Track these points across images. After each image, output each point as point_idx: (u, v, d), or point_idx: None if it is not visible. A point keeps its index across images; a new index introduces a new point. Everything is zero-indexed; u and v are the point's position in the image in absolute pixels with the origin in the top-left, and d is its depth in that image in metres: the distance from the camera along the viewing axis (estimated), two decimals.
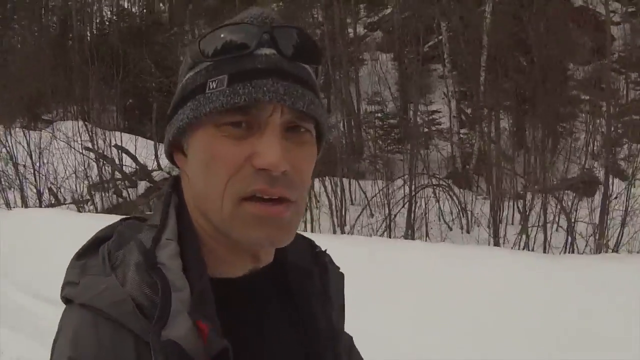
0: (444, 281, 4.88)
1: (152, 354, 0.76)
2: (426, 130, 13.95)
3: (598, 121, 12.57)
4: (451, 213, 9.76)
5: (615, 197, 7.60)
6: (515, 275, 4.85)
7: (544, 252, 6.97)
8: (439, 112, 15.52)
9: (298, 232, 0.97)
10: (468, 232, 9.41)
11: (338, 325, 1.06)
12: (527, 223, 7.66)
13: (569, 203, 7.87)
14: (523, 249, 7.27)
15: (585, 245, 7.09)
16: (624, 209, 7.25)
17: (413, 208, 8.76)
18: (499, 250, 6.09)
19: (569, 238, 7.13)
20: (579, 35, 16.46)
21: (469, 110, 15.04)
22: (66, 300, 0.86)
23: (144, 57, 15.66)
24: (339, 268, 1.11)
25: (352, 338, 1.19)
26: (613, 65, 16.89)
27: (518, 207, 8.64)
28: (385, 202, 9.23)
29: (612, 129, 12.23)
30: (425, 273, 4.97)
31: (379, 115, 15.11)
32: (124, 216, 1.01)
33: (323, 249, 1.10)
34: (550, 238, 7.35)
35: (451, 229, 9.52)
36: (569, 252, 6.98)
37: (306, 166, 0.87)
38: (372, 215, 9.86)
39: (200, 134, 0.85)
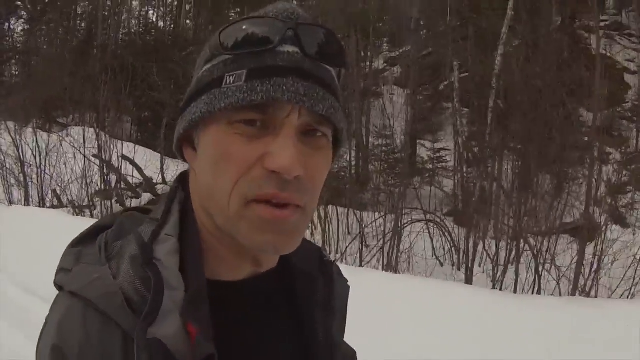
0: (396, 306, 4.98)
1: (136, 350, 0.74)
2: (430, 166, 14.04)
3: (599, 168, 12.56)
4: (443, 249, 9.79)
5: (590, 242, 7.65)
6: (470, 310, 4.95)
7: (514, 292, 7.07)
8: (447, 149, 15.60)
9: (308, 239, 0.97)
10: (459, 269, 9.43)
11: (337, 338, 1.02)
12: (497, 263, 7.77)
13: (561, 247, 7.98)
14: (495, 288, 7.35)
15: (554, 288, 7.15)
16: (597, 254, 7.31)
17: (394, 242, 8.82)
18: (463, 287, 6.20)
19: (536, 279, 7.20)
20: (593, 82, 16.54)
21: (476, 150, 15.11)
22: (58, 287, 0.84)
23: (152, 73, 15.88)
24: (346, 280, 1.07)
25: (355, 353, 1.14)
26: (626, 113, 16.98)
27: (485, 248, 8.66)
28: (359, 233, 9.31)
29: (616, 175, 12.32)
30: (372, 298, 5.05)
31: (385, 149, 15.23)
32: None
33: (332, 260, 1.06)
34: (525, 280, 7.42)
35: (442, 265, 9.56)
36: (535, 294, 7.05)
37: (320, 172, 0.84)
38: (367, 245, 9.94)
39: (212, 130, 0.82)
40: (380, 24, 21.09)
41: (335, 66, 0.86)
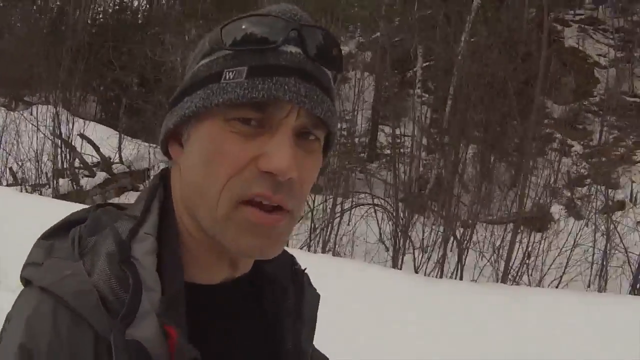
0: None
1: (114, 352, 0.71)
2: (389, 152, 14.04)
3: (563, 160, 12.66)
4: (390, 235, 9.85)
5: (521, 231, 7.75)
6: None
7: (440, 277, 7.16)
8: (408, 136, 15.61)
9: None
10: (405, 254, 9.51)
11: (305, 346, 1.00)
12: (422, 248, 7.84)
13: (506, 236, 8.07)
14: (417, 272, 7.46)
15: (479, 274, 7.25)
16: (523, 241, 7.41)
17: (332, 226, 8.87)
18: (390, 272, 6.25)
19: (458, 266, 7.29)
20: (563, 75, 16.67)
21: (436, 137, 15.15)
22: (25, 281, 0.80)
23: (109, 54, 15.88)
24: (316, 290, 1.05)
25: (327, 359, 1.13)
26: (592, 107, 17.11)
27: (409, 234, 8.72)
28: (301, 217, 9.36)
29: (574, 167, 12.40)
30: None
31: (345, 133, 15.28)
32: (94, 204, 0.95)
33: (303, 268, 1.05)
34: (457, 266, 7.52)
35: (388, 249, 9.62)
36: (458, 279, 7.15)
37: (310, 176, 0.84)
38: (315, 229, 10.00)
39: (206, 126, 0.80)
40: (356, 9, 21.06)
41: (334, 70, 0.86)
